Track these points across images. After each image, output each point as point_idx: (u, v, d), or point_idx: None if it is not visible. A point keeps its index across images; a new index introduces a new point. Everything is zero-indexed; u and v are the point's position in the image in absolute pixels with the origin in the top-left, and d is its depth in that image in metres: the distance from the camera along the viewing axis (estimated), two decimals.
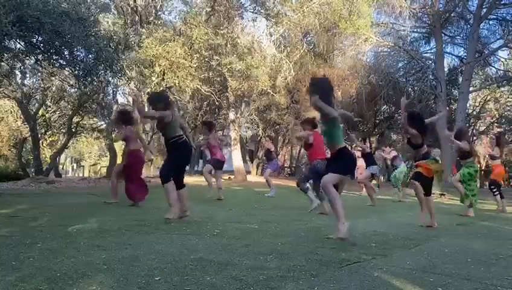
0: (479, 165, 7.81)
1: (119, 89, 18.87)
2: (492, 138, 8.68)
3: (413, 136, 5.28)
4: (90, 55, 10.37)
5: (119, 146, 14.72)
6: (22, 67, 12.97)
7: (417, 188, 5.42)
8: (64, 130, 20.18)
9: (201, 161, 9.84)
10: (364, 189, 12.86)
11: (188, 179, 16.94)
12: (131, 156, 6.81)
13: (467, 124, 21.67)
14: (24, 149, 21.42)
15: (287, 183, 15.76)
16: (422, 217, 5.46)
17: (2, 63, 10.80)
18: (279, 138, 26.45)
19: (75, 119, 18.71)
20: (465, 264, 3.24)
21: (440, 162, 8.10)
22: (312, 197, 6.56)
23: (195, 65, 14.60)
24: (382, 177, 11.39)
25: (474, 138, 25.71)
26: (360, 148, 9.55)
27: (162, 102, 5.13)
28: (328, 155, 6.65)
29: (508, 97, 26.33)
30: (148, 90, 15.48)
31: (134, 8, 15.83)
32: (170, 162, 5.22)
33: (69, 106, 19.20)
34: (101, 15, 13.35)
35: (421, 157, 5.40)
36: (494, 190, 8.33)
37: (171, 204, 5.01)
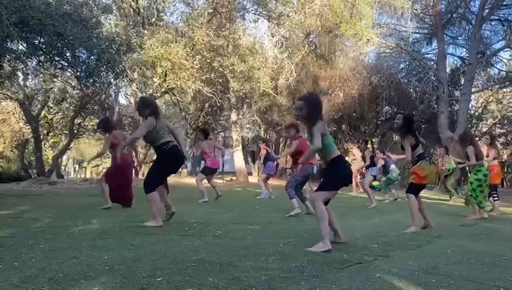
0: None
1: (120, 90, 18.94)
2: (487, 138, 8.56)
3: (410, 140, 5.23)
4: (92, 57, 10.41)
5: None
6: (24, 69, 13.03)
7: (411, 201, 5.20)
8: (66, 132, 20.22)
9: (202, 163, 9.88)
10: (356, 189, 12.84)
11: (190, 181, 16.79)
12: (119, 160, 6.81)
13: (469, 125, 21.59)
14: (26, 150, 21.47)
15: None
16: (414, 224, 5.14)
17: (4, 65, 10.82)
18: (281, 139, 26.44)
19: (76, 121, 18.75)
20: (468, 266, 3.23)
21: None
22: (295, 205, 6.45)
23: (197, 66, 14.63)
24: (383, 178, 11.24)
25: (476, 138, 25.61)
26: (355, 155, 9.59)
27: (149, 107, 4.93)
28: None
29: (511, 98, 26.26)
30: (150, 91, 15.52)
31: (137, 10, 15.88)
32: (154, 171, 4.95)
33: (71, 107, 19.25)
34: (103, 16, 13.38)
35: (416, 159, 5.25)
36: (495, 195, 8.23)
37: (154, 215, 4.75)
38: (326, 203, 3.82)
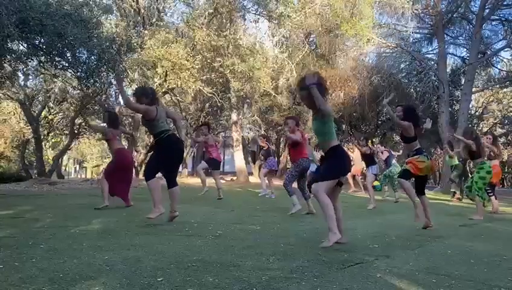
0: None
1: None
2: (489, 138, 8.53)
3: (405, 129, 5.21)
4: (92, 57, 10.41)
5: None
6: (24, 69, 13.03)
7: (406, 187, 5.28)
8: (66, 132, 20.23)
9: (203, 162, 10.00)
10: (354, 186, 12.88)
11: (191, 180, 16.80)
12: (118, 154, 6.79)
13: (470, 125, 21.56)
14: (27, 150, 21.51)
15: None
16: (417, 216, 5.27)
17: (5, 65, 10.83)
18: (281, 139, 26.43)
19: (77, 121, 18.76)
20: (468, 266, 3.23)
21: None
22: (296, 201, 6.51)
23: (197, 66, 14.62)
24: (385, 173, 11.21)
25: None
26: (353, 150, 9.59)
27: (148, 97, 4.98)
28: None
29: (511, 98, 26.23)
30: None
31: (137, 10, 15.88)
32: (154, 160, 5.11)
33: (72, 108, 19.26)
34: (103, 17, 13.37)
35: (413, 153, 5.26)
36: (490, 192, 8.23)
37: (155, 202, 4.90)
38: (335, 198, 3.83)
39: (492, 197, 8.27)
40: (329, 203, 3.67)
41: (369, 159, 9.38)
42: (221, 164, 11.17)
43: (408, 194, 5.37)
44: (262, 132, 20.80)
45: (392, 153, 10.62)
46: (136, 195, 7.34)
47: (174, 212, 5.06)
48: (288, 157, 7.37)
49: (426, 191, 5.55)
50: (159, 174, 5.06)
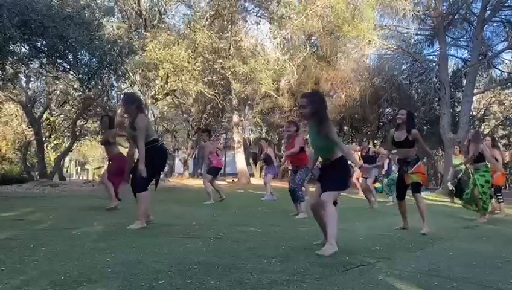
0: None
1: (122, 92, 18.98)
2: (487, 140, 8.47)
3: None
4: (94, 59, 10.42)
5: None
6: (26, 71, 13.04)
7: (421, 202, 5.19)
8: (68, 134, 20.27)
9: (204, 165, 10.08)
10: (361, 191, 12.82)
11: (192, 182, 16.74)
12: (118, 159, 6.79)
13: (471, 127, 21.53)
14: (28, 152, 21.53)
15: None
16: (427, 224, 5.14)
17: (7, 67, 10.85)
18: (283, 140, 26.44)
19: (79, 123, 18.80)
20: (470, 268, 3.22)
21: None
22: (302, 209, 6.43)
23: (199, 68, 14.63)
24: (385, 180, 11.17)
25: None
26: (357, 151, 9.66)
27: (134, 103, 4.86)
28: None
29: None
30: (152, 93, 15.53)
31: (138, 12, 15.89)
32: (148, 170, 4.84)
33: (73, 110, 19.30)
34: (105, 19, 13.38)
35: (414, 158, 5.20)
36: (500, 197, 8.18)
37: (139, 215, 4.70)
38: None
39: (502, 204, 8.23)
40: (336, 215, 3.62)
41: (370, 162, 9.40)
42: (223, 165, 11.19)
43: (421, 209, 5.18)
44: (264, 134, 20.81)
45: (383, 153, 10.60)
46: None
47: (149, 216, 4.98)
48: (290, 161, 7.31)
49: (428, 192, 5.55)
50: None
